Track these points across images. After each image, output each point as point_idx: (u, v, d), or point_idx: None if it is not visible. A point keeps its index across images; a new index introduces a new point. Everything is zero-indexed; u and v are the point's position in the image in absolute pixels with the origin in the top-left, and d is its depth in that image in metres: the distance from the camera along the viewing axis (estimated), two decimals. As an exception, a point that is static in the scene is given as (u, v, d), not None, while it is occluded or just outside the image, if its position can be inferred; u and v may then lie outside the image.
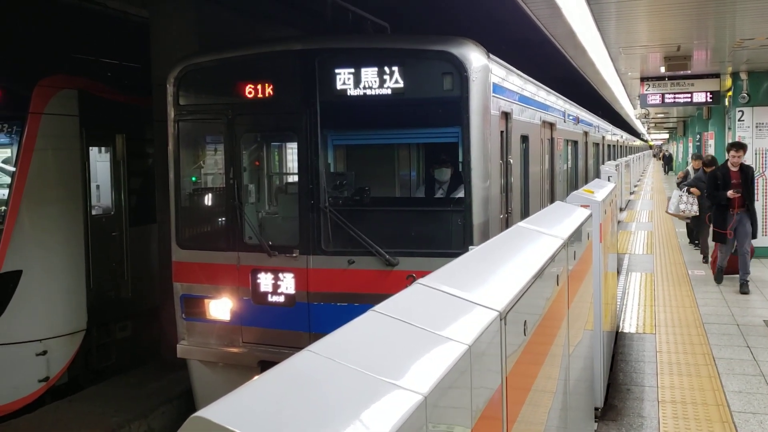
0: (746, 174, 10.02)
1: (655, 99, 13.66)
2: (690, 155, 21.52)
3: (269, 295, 6.47)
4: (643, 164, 48.39)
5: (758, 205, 11.67)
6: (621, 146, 32.31)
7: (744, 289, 9.83)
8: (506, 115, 7.07)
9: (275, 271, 6.43)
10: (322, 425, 1.21)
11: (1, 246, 8.16)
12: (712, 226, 10.60)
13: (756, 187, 11.73)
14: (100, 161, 10.03)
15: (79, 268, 8.90)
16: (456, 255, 2.79)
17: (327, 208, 6.29)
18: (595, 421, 5.38)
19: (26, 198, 8.33)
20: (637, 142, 54.19)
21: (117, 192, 9.78)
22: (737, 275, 10.20)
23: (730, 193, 9.73)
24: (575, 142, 14.10)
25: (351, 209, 6.50)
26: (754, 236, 10.05)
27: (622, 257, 12.99)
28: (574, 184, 13.44)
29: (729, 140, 13.06)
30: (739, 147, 10.17)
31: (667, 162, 55.38)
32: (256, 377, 1.37)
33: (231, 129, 6.68)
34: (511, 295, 2.24)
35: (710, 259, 11.27)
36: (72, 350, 8.78)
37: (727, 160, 10.17)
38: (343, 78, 6.16)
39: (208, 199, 7.51)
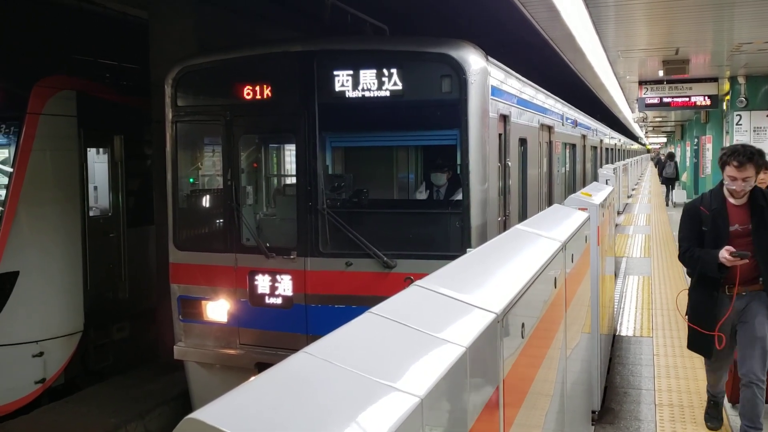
0: (763, 212, 4.59)
1: (653, 102, 13.68)
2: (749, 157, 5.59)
3: (267, 297, 6.46)
4: (640, 168, 48.20)
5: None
6: (619, 150, 32.34)
7: None
8: (504, 118, 7.06)
9: (273, 273, 6.42)
10: (318, 427, 1.20)
11: (-2, 247, 8.15)
12: (687, 318, 4.96)
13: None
14: (97, 162, 10.02)
15: (77, 269, 8.88)
16: (454, 257, 2.78)
17: (325, 210, 6.28)
18: (593, 425, 5.37)
19: (23, 199, 8.32)
20: (635, 146, 53.54)
21: (114, 193, 9.77)
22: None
23: (725, 256, 4.40)
24: (573, 146, 14.11)
25: (349, 211, 6.50)
26: None
27: (620, 260, 12.99)
28: (572, 187, 13.44)
29: (727, 144, 12.96)
30: (760, 160, 4.62)
31: (662, 168, 48.66)
32: (251, 378, 1.36)
33: (229, 130, 6.68)
34: (509, 297, 2.24)
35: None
36: (69, 351, 8.76)
37: (721, 183, 4.74)
38: (342, 80, 6.16)
39: (205, 201, 7.50)
